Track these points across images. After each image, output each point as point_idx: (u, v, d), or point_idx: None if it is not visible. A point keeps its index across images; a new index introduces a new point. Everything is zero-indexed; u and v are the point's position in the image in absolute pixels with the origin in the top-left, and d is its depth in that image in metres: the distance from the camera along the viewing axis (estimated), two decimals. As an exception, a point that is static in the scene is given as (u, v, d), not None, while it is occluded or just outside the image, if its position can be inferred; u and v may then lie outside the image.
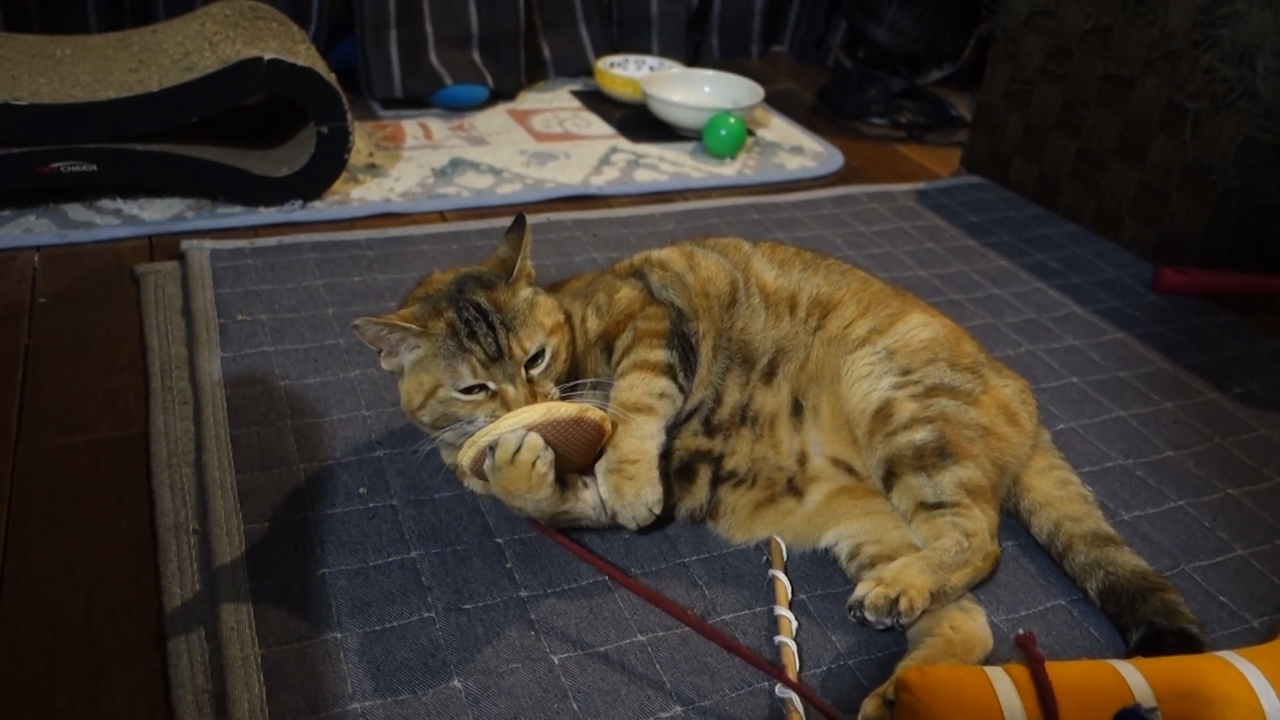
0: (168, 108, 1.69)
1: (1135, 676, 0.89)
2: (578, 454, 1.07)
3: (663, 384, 1.10)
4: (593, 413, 1.04)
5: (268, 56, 1.69)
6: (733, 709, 0.94)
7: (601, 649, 1.00)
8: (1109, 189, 1.96)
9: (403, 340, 1.07)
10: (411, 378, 1.07)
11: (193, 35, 1.82)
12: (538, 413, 1.00)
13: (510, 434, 1.00)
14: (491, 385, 1.04)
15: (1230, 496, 1.28)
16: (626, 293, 1.18)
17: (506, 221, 1.83)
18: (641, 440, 1.07)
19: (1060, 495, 1.17)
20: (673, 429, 1.12)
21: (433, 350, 1.05)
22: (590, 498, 1.08)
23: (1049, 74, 2.05)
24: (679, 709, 0.94)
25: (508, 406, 1.03)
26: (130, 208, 1.77)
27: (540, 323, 1.08)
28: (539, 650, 0.99)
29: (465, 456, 1.02)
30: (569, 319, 1.13)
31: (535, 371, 1.06)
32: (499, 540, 1.12)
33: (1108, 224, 1.97)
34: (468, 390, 1.04)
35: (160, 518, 1.11)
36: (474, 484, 1.16)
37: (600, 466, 1.08)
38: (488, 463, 1.01)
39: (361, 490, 1.17)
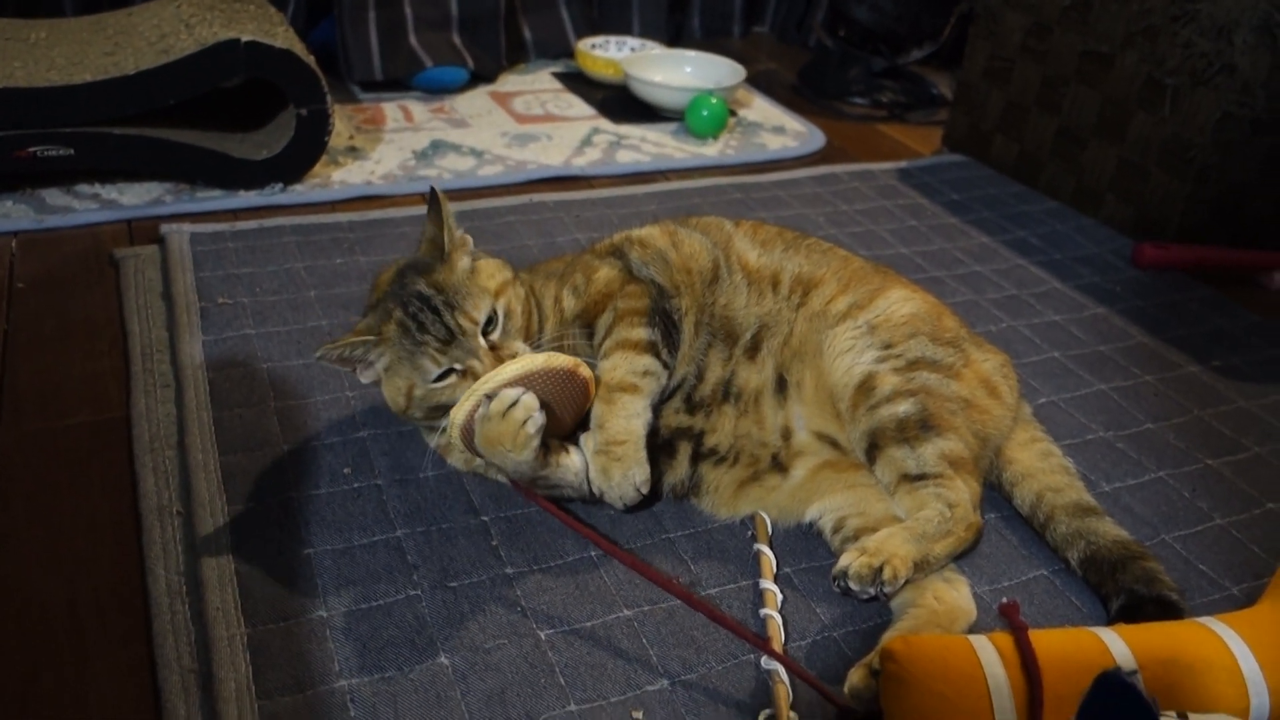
0: (144, 91, 1.67)
1: (1117, 643, 0.90)
2: (566, 411, 1.07)
3: (646, 361, 1.10)
4: (585, 369, 1.05)
5: (245, 38, 1.68)
6: (718, 681, 0.95)
7: (587, 624, 1.00)
8: (1089, 165, 1.97)
9: (367, 353, 1.08)
10: (388, 384, 1.10)
11: (169, 18, 1.81)
12: (538, 361, 1.02)
13: (509, 390, 1.00)
14: (458, 367, 1.05)
15: (1209, 467, 1.30)
16: (605, 272, 1.18)
17: (489, 203, 1.85)
18: (628, 420, 1.07)
19: (1042, 467, 1.18)
20: (656, 407, 1.12)
21: (395, 354, 1.07)
22: (571, 464, 1.08)
23: (1029, 51, 2.05)
24: (665, 682, 0.95)
25: (478, 378, 1.04)
26: (108, 192, 1.76)
27: (484, 287, 1.08)
28: (525, 626, 0.99)
29: (460, 411, 1.02)
30: (530, 290, 1.15)
31: (494, 336, 1.07)
32: (484, 518, 1.12)
33: (1088, 200, 1.98)
34: (439, 378, 1.06)
35: (143, 500, 1.10)
36: (458, 462, 1.17)
37: (588, 447, 1.08)
38: (479, 411, 1.01)
39: (346, 470, 1.17)
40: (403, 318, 1.06)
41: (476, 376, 1.04)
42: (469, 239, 1.15)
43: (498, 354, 1.06)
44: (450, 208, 1.12)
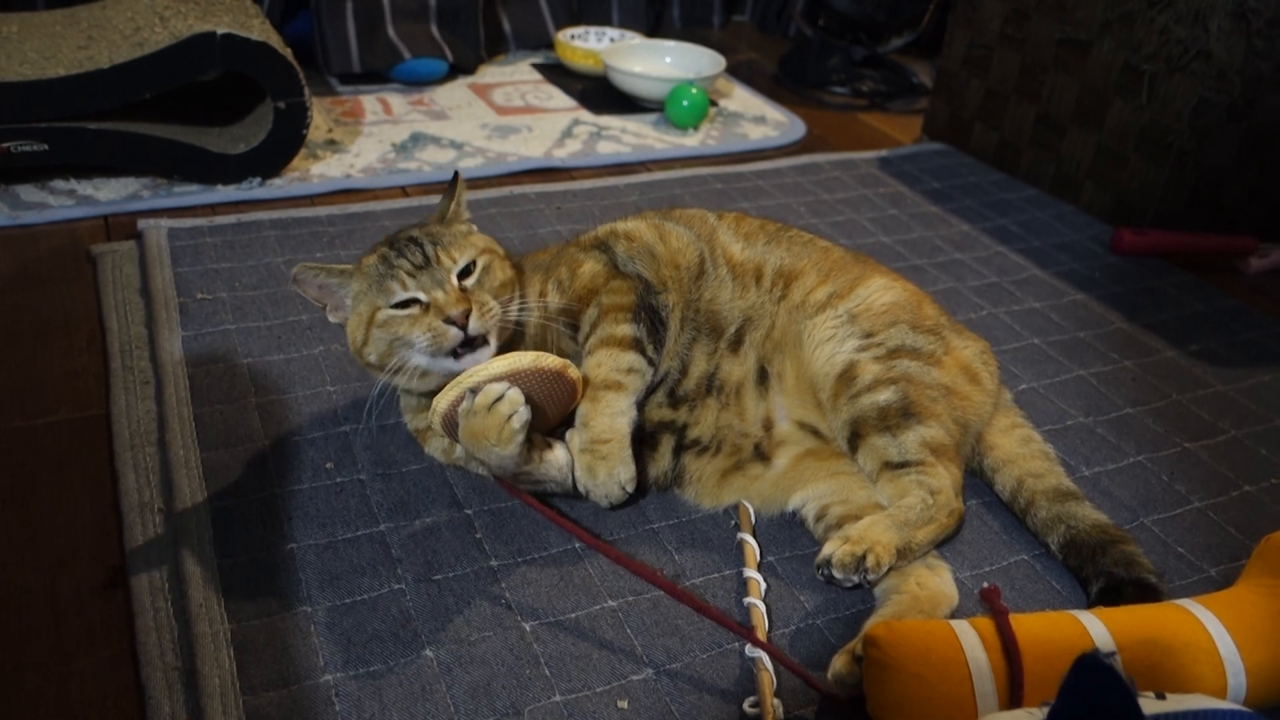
0: (119, 85, 1.65)
1: (1096, 626, 0.91)
2: (552, 409, 1.07)
3: (630, 359, 1.10)
4: (573, 370, 1.05)
5: (220, 31, 1.66)
6: (703, 670, 0.95)
7: (572, 615, 1.00)
8: (1068, 153, 1.98)
9: (341, 285, 1.10)
10: (353, 315, 1.10)
11: (143, 10, 1.79)
12: (526, 360, 1.02)
13: (495, 383, 1.00)
14: (423, 296, 1.05)
15: (1187, 451, 1.31)
16: (590, 267, 1.18)
17: (470, 195, 1.81)
18: (613, 419, 1.07)
19: (1022, 453, 1.18)
20: (640, 403, 1.12)
21: (367, 282, 1.09)
22: (555, 460, 1.08)
23: (1008, 39, 2.06)
24: (650, 672, 0.95)
25: (441, 312, 1.04)
26: (84, 188, 1.74)
27: (472, 242, 1.11)
28: (510, 618, 0.99)
29: (443, 400, 1.01)
30: (522, 283, 1.15)
31: (468, 282, 1.08)
32: (468, 511, 1.12)
33: (1067, 187, 1.99)
34: (402, 306, 1.06)
35: (124, 498, 1.10)
36: (436, 451, 1.16)
37: (573, 444, 1.08)
38: (463, 405, 1.00)
39: (328, 465, 1.17)
40: (385, 250, 1.09)
41: (440, 311, 1.04)
42: (474, 226, 1.18)
43: (465, 295, 1.06)
44: (465, 194, 1.18)
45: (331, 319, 1.13)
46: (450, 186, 1.18)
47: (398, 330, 1.05)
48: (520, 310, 1.10)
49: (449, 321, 1.03)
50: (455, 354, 1.05)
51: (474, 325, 1.04)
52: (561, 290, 1.17)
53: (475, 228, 1.18)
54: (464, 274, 1.08)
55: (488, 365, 1.01)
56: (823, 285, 1.20)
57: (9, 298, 1.45)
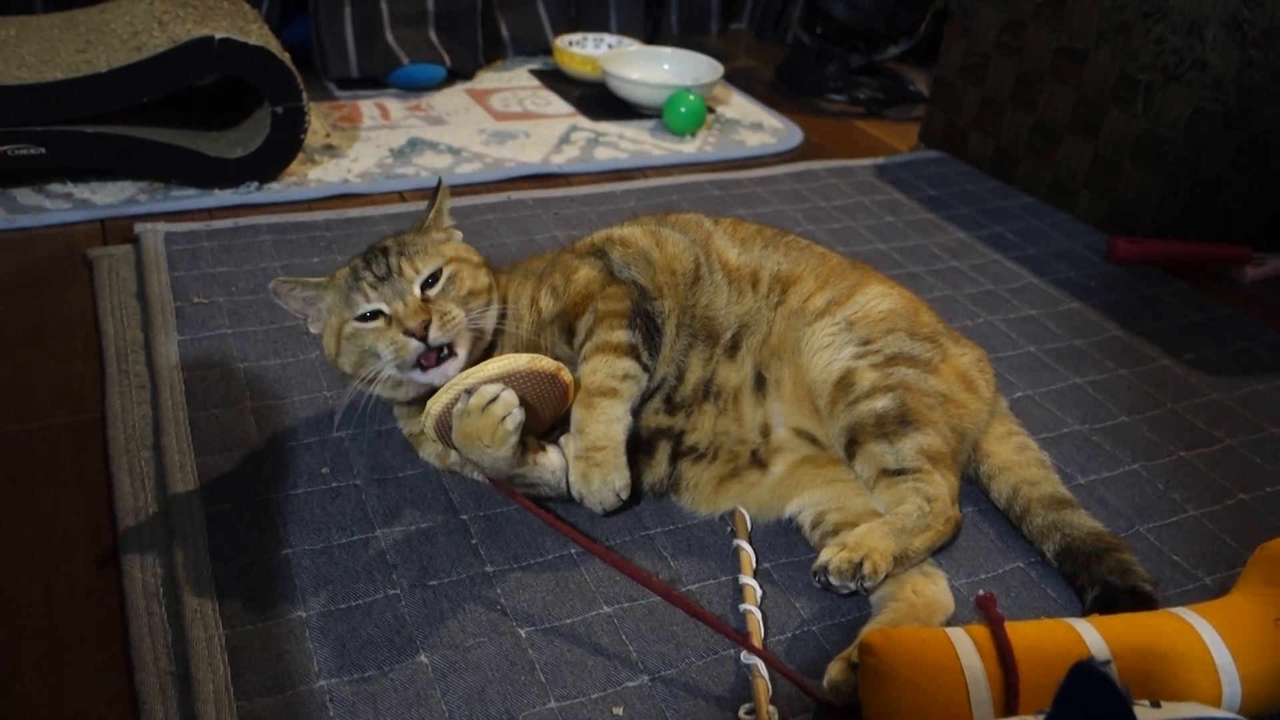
0: (117, 89, 1.65)
1: (1091, 634, 0.91)
2: (545, 411, 1.07)
3: (626, 365, 1.10)
4: (566, 374, 1.06)
5: (219, 36, 1.66)
6: (698, 677, 0.95)
7: (568, 621, 1.00)
8: (1064, 161, 1.99)
9: (318, 297, 1.11)
10: (326, 327, 1.12)
11: (141, 15, 1.79)
12: (521, 361, 1.02)
13: (490, 385, 1.00)
14: (385, 308, 1.06)
15: (1183, 459, 1.31)
16: (585, 273, 1.17)
17: (466, 201, 1.84)
18: (608, 425, 1.07)
19: (1018, 460, 1.18)
20: (636, 409, 1.12)
21: (336, 294, 1.10)
22: (549, 463, 1.08)
23: (1004, 47, 2.07)
24: (645, 678, 0.95)
25: (402, 325, 1.04)
26: (81, 191, 1.74)
27: (440, 251, 1.11)
28: (505, 624, 0.99)
29: (437, 402, 1.01)
30: (497, 282, 1.16)
31: (432, 292, 1.08)
32: (464, 517, 1.12)
33: (1063, 196, 2.00)
34: (365, 318, 1.06)
35: (119, 502, 1.09)
36: (431, 456, 1.16)
37: (568, 450, 1.08)
38: (458, 405, 1.00)
39: (324, 470, 1.16)
40: (357, 262, 1.10)
41: (401, 324, 1.04)
42: (457, 234, 1.18)
43: (428, 306, 1.05)
44: (448, 201, 1.18)
45: (313, 330, 1.14)
46: (433, 193, 1.18)
47: (364, 342, 1.06)
48: (499, 318, 1.11)
49: (409, 334, 1.03)
50: (421, 366, 1.05)
51: (434, 336, 1.03)
52: (556, 297, 1.17)
53: (457, 235, 1.18)
54: (430, 284, 1.08)
55: (483, 367, 1.01)
56: (820, 292, 1.20)
57: (5, 301, 1.45)
